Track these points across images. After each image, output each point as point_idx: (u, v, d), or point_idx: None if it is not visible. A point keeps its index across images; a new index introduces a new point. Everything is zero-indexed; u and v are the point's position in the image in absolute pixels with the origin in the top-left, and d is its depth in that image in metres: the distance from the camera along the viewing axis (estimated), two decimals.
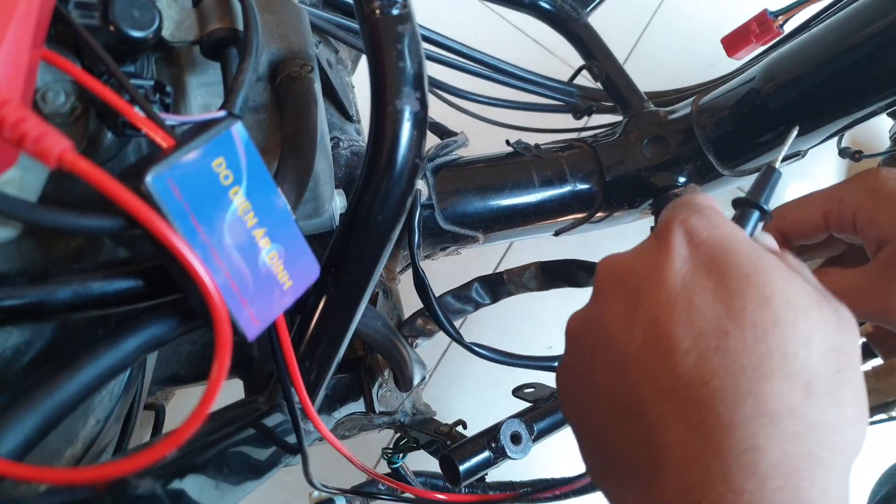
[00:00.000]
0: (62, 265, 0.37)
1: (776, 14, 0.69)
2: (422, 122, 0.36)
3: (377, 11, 0.36)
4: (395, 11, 0.36)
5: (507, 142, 0.82)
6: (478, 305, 0.94)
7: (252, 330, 0.31)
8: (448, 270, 1.04)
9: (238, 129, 0.31)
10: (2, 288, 0.30)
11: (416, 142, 0.36)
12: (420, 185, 0.74)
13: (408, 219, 0.69)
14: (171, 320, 0.33)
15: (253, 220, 0.31)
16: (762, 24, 0.69)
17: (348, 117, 0.78)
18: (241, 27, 0.37)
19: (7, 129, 0.21)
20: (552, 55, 1.51)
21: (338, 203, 0.54)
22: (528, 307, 1.00)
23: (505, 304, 0.82)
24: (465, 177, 0.79)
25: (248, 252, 0.31)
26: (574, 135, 0.97)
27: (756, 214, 0.37)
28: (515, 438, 0.58)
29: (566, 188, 0.81)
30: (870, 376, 0.68)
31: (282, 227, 0.33)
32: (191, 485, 0.36)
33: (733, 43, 0.73)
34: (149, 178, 0.27)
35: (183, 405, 0.80)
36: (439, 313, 0.68)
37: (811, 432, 0.27)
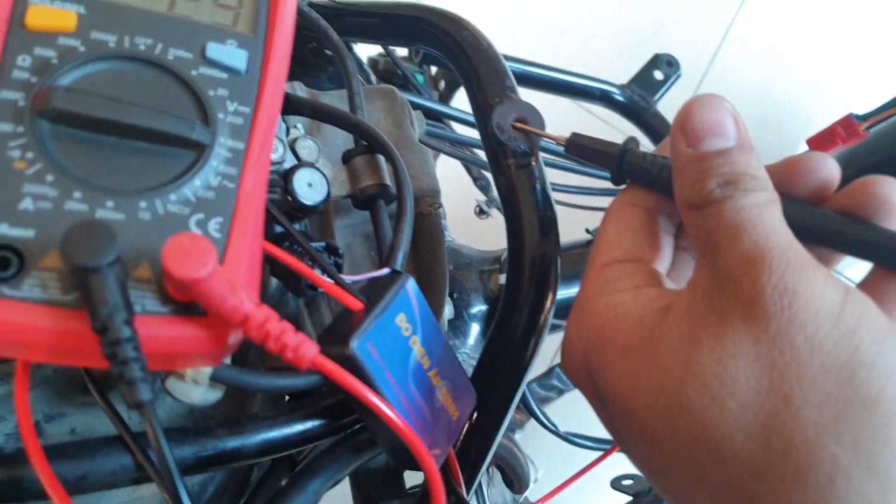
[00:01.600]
0: (231, 403, 0.41)
1: (861, 118, 0.72)
2: (555, 262, 0.40)
3: (512, 166, 0.40)
4: (527, 165, 0.40)
5: (587, 230, 0.85)
6: (561, 392, 0.96)
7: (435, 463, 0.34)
8: None
9: (411, 286, 0.34)
10: (208, 439, 0.33)
11: (554, 282, 0.40)
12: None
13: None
14: (346, 458, 0.36)
15: (428, 362, 0.35)
16: (848, 128, 0.72)
17: None
18: (387, 181, 0.42)
19: (271, 342, 0.25)
20: (616, 130, 1.54)
21: (447, 312, 0.57)
22: None
23: None
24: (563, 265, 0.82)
25: (427, 392, 0.34)
26: None
27: None
28: None
29: None
30: None
31: (448, 363, 0.36)
32: None
33: (820, 145, 0.77)
34: (354, 345, 0.30)
35: None
36: (535, 406, 0.71)
37: None
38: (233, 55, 0.30)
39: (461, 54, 0.44)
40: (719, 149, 0.28)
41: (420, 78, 0.84)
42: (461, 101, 0.94)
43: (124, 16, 0.29)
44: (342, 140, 0.47)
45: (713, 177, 0.27)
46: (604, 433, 0.74)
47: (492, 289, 0.77)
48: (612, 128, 1.55)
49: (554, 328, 0.78)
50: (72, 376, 0.37)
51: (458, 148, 0.87)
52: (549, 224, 0.40)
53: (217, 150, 0.29)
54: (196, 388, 0.31)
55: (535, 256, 0.39)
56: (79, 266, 0.22)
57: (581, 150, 0.37)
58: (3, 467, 0.28)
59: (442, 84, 0.92)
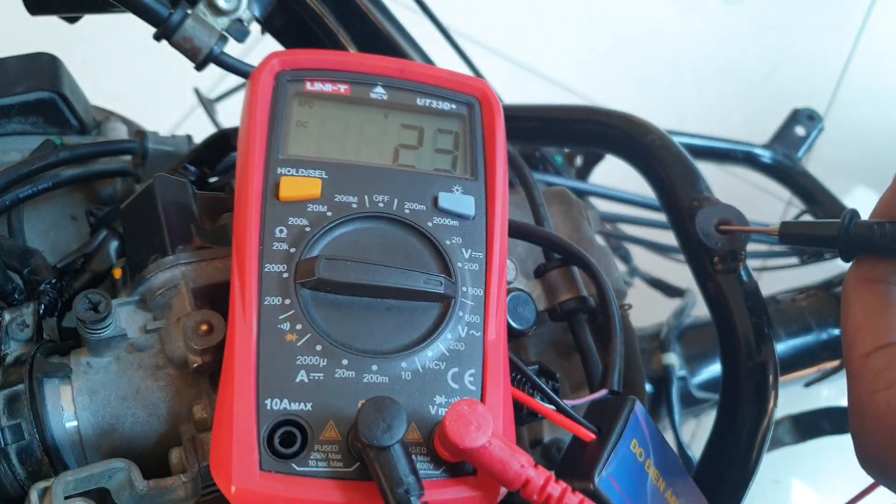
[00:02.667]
0: None
1: None
2: (775, 369, 0.38)
3: (720, 271, 0.39)
4: (735, 268, 0.39)
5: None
6: None
7: None
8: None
9: (640, 409, 0.34)
10: None
11: (775, 388, 0.38)
12: (672, 358, 0.75)
13: (667, 395, 0.70)
14: None
15: (662, 483, 0.33)
16: None
17: None
18: (585, 293, 0.41)
19: None
20: (757, 189, 1.47)
21: None
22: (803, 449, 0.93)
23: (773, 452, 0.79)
24: (710, 338, 0.80)
25: None
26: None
27: None
28: None
29: (811, 337, 0.79)
30: None
31: (679, 479, 0.35)
32: None
33: None
34: (597, 480, 0.29)
35: None
36: None
37: None
38: (462, 202, 0.31)
39: (649, 158, 0.44)
40: None
41: (559, 159, 0.85)
42: (598, 175, 0.94)
43: (359, 174, 0.31)
44: (523, 250, 0.47)
45: None
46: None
47: (654, 369, 0.75)
48: (740, 179, 1.50)
49: None
50: None
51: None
52: (763, 330, 0.38)
53: (461, 299, 0.29)
54: None
55: (752, 365, 0.38)
56: (375, 447, 0.23)
57: (796, 237, 0.36)
58: None
59: (578, 160, 0.92)
